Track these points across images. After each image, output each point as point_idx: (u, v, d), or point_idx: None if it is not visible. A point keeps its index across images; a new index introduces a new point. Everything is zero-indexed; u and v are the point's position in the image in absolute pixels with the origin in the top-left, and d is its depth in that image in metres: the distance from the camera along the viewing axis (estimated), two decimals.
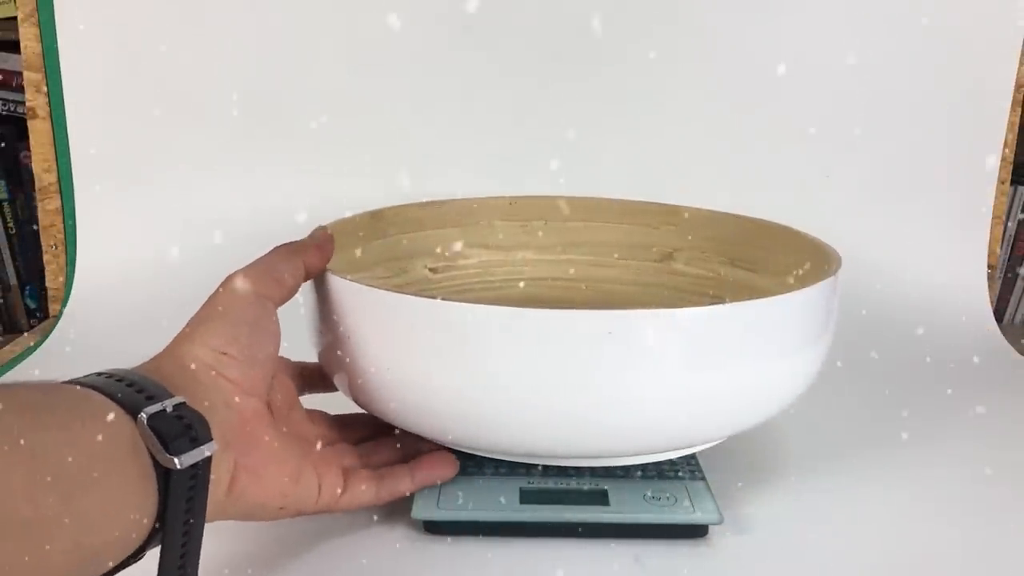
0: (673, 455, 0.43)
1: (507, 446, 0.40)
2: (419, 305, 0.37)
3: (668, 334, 0.36)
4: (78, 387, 0.29)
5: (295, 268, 0.39)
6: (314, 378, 0.44)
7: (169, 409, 0.30)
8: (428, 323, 0.36)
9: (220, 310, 0.36)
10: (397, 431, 0.43)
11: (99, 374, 0.31)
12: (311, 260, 0.40)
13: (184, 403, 0.30)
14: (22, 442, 0.25)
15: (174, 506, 0.29)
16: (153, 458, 0.29)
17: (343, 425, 0.44)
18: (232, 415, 0.34)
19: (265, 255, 0.39)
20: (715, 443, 0.43)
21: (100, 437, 0.28)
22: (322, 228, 0.43)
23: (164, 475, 0.29)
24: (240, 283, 0.37)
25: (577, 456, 0.41)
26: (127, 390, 0.30)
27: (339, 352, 0.40)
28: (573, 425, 0.37)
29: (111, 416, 0.28)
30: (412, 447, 0.43)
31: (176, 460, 0.29)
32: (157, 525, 0.29)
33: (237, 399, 0.34)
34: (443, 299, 0.36)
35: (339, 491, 0.38)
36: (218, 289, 0.37)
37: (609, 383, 0.36)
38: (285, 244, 0.40)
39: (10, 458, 0.25)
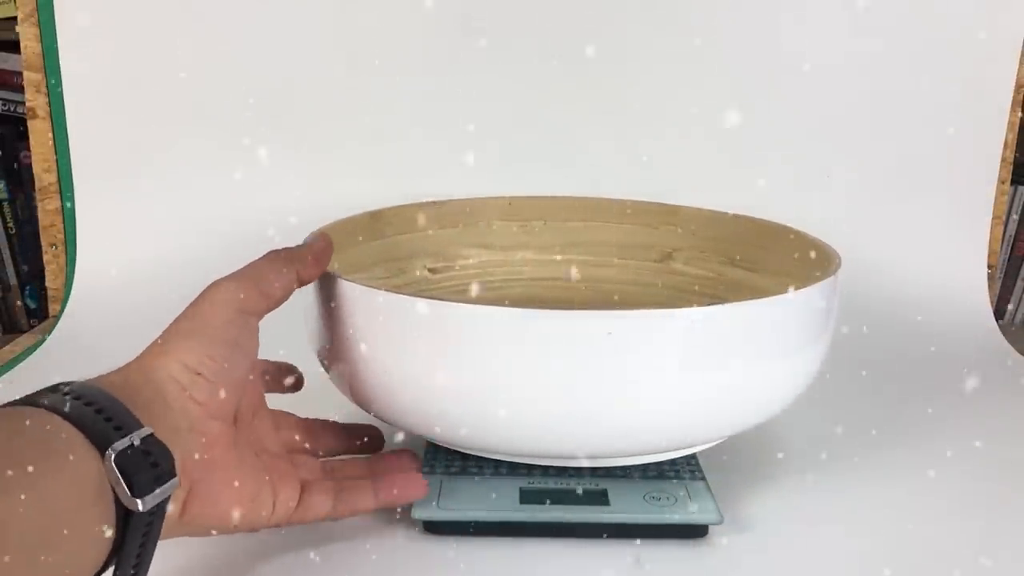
0: (673, 455, 0.43)
1: (506, 446, 0.40)
2: (419, 305, 0.37)
3: (667, 334, 0.36)
4: (44, 413, 0.28)
5: (287, 280, 0.37)
6: (278, 377, 0.43)
7: (136, 442, 0.28)
8: (427, 323, 0.36)
9: (199, 324, 0.34)
10: (366, 457, 0.42)
11: (66, 393, 0.29)
12: (305, 271, 0.38)
13: (151, 435, 0.29)
14: None
15: (131, 542, 0.29)
16: (116, 497, 0.28)
17: (310, 431, 0.42)
18: (195, 440, 0.33)
19: (255, 262, 0.37)
20: (715, 443, 0.43)
21: (67, 491, 0.27)
22: (322, 232, 0.41)
23: (124, 514, 0.28)
24: (223, 295, 0.34)
25: (577, 456, 0.41)
26: (96, 417, 0.28)
27: (337, 352, 0.40)
28: (572, 425, 0.37)
29: (78, 459, 0.27)
30: (380, 466, 0.42)
31: (139, 503, 0.28)
32: (110, 555, 0.29)
33: (202, 423, 0.33)
34: (442, 299, 0.36)
35: (293, 504, 0.36)
36: (199, 298, 0.35)
37: (609, 383, 0.36)
38: (278, 252, 0.38)
39: None
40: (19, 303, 0.99)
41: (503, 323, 0.35)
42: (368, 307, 0.38)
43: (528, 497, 0.41)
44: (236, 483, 0.34)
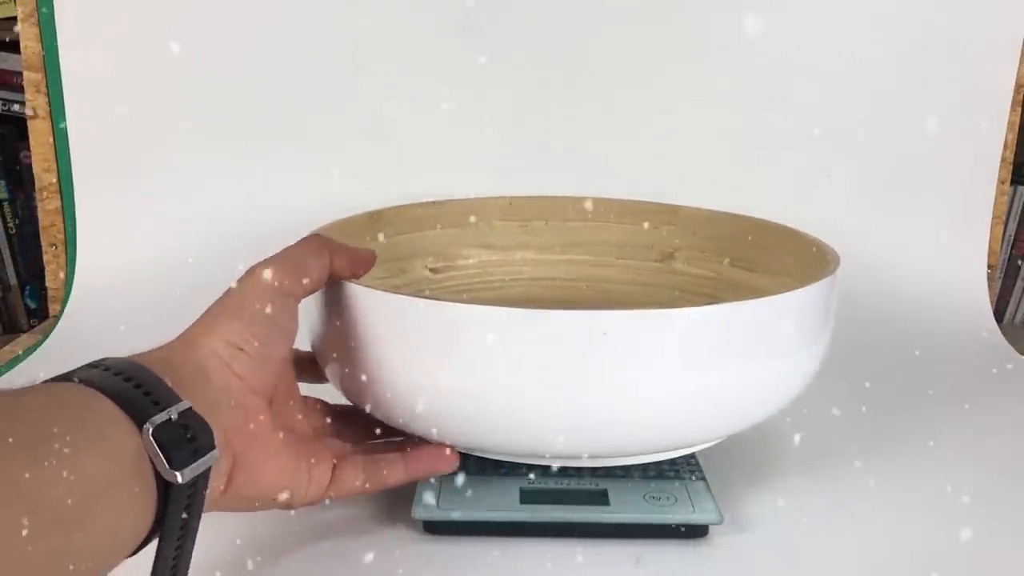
0: (671, 455, 0.43)
1: (500, 447, 0.40)
2: (414, 305, 0.36)
3: (664, 334, 0.36)
4: (83, 389, 0.29)
5: (321, 263, 0.37)
6: (308, 365, 0.44)
7: (174, 416, 0.29)
8: (422, 323, 0.36)
9: (240, 303, 0.35)
10: (402, 439, 0.43)
11: (106, 368, 0.30)
12: (340, 261, 0.38)
13: (189, 409, 0.30)
14: (25, 477, 0.24)
15: (172, 514, 0.29)
16: (155, 470, 0.29)
17: (340, 417, 0.43)
18: (236, 415, 0.34)
19: (293, 246, 0.38)
20: (713, 443, 0.43)
21: (104, 464, 0.27)
22: (370, 250, 0.42)
23: (164, 486, 0.29)
24: (264, 276, 0.35)
25: (571, 457, 0.41)
26: (134, 392, 0.29)
27: (334, 352, 0.40)
28: (568, 425, 0.37)
29: (116, 433, 0.28)
30: (410, 446, 0.42)
31: (179, 475, 0.29)
32: (152, 529, 0.29)
33: (243, 397, 0.34)
34: (438, 299, 0.36)
35: (326, 481, 0.37)
36: (239, 280, 0.36)
37: (605, 383, 0.36)
38: (316, 237, 0.39)
39: (7, 503, 0.24)
40: (19, 303, 0.99)
41: (500, 323, 0.35)
42: (365, 307, 0.38)
43: (528, 497, 0.41)
44: (276, 457, 0.35)
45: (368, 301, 0.38)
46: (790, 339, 0.39)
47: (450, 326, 0.36)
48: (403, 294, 0.37)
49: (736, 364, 0.37)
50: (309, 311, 0.42)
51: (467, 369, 0.36)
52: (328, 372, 0.43)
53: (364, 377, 0.39)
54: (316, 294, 0.41)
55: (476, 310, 0.35)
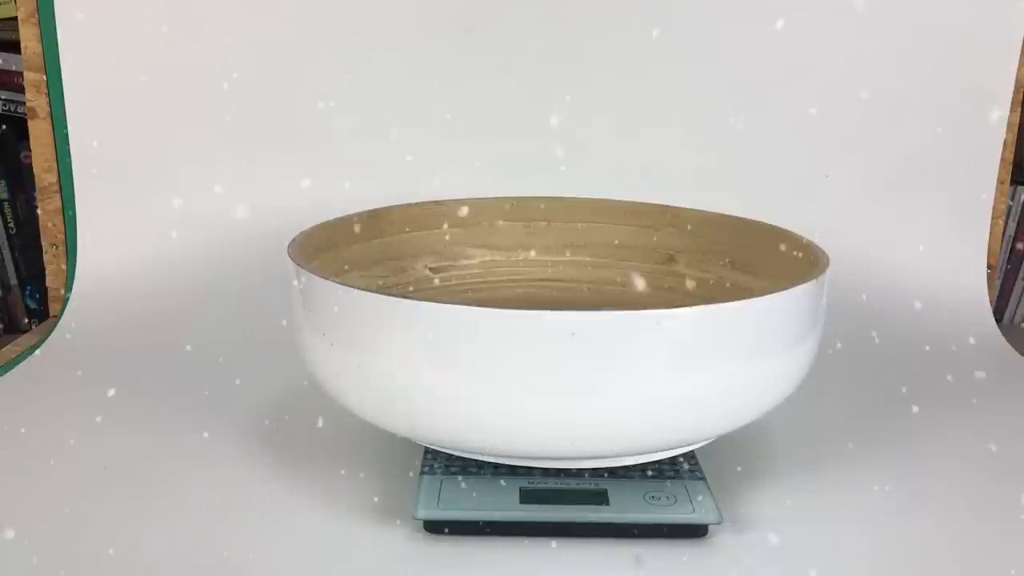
0: (660, 456, 0.43)
1: (481, 447, 0.40)
2: (392, 305, 0.36)
3: (636, 336, 0.36)
4: None
5: None
6: None
7: None
8: (407, 324, 0.36)
9: None
10: None
11: None
12: None
13: None
14: None
15: None
16: None
17: None
18: None
19: None
20: (701, 444, 0.43)
21: None
22: None
23: None
24: None
25: (555, 458, 0.41)
26: None
27: (325, 355, 0.40)
28: (552, 427, 0.37)
29: None
30: None
31: None
32: None
33: None
34: (413, 299, 0.36)
35: None
36: None
37: (594, 385, 0.36)
38: None
39: None
40: (19, 303, 0.99)
41: (476, 323, 0.35)
42: (351, 308, 0.38)
43: (528, 497, 0.41)
44: None
45: (351, 302, 0.38)
46: (770, 342, 0.39)
47: (432, 327, 0.36)
48: (385, 294, 0.37)
49: (715, 366, 0.38)
50: (293, 315, 0.42)
51: (443, 369, 0.36)
52: (318, 378, 0.42)
53: (352, 380, 0.39)
54: (300, 297, 0.40)
55: (459, 311, 0.35)
